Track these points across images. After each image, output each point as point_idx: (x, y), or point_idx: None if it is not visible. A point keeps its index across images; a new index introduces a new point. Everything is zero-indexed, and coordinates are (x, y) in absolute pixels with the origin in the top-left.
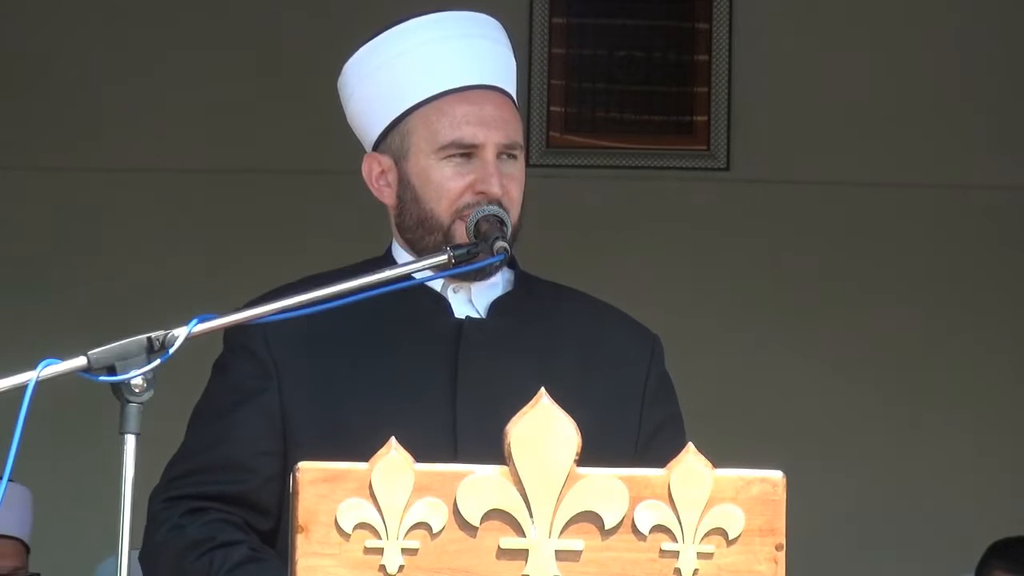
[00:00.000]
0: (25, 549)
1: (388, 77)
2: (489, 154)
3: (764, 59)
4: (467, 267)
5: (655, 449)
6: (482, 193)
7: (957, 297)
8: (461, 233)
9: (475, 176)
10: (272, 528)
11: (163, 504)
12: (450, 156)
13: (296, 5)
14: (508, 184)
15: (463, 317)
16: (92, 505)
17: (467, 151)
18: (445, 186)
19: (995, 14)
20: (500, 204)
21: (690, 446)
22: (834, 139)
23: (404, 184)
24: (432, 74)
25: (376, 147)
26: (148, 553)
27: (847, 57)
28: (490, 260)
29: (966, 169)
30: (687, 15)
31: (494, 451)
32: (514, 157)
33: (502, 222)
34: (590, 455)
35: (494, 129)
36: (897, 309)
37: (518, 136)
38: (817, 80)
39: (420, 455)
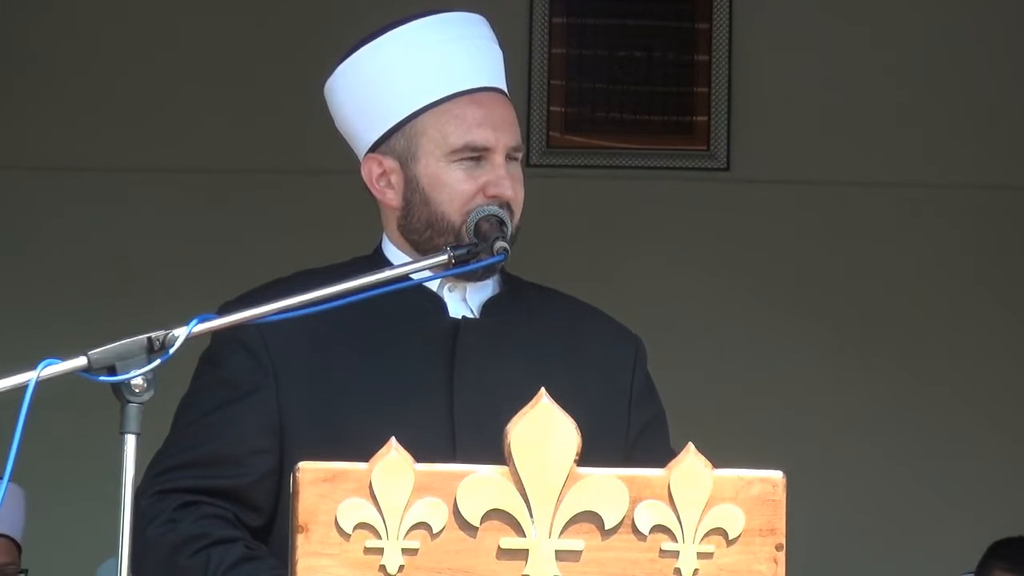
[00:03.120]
0: (16, 547)
1: (389, 80)
2: (499, 157)
3: (764, 59)
4: (467, 267)
5: (641, 449)
6: (495, 196)
7: (957, 297)
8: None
9: (486, 179)
10: (262, 525)
11: (153, 498)
12: (461, 159)
13: (297, 5)
14: (515, 186)
15: (459, 316)
16: (92, 505)
17: (478, 154)
18: (457, 189)
19: (995, 14)
20: (510, 206)
21: (690, 446)
22: (834, 139)
23: (412, 186)
24: (438, 77)
25: (375, 149)
26: (139, 548)
27: (847, 57)
28: (491, 260)
29: (966, 169)
30: (687, 15)
31: (492, 450)
32: (518, 159)
33: (502, 222)
34: (585, 455)
35: (503, 132)
36: (897, 309)
37: (520, 138)
38: (817, 80)
39: (418, 454)
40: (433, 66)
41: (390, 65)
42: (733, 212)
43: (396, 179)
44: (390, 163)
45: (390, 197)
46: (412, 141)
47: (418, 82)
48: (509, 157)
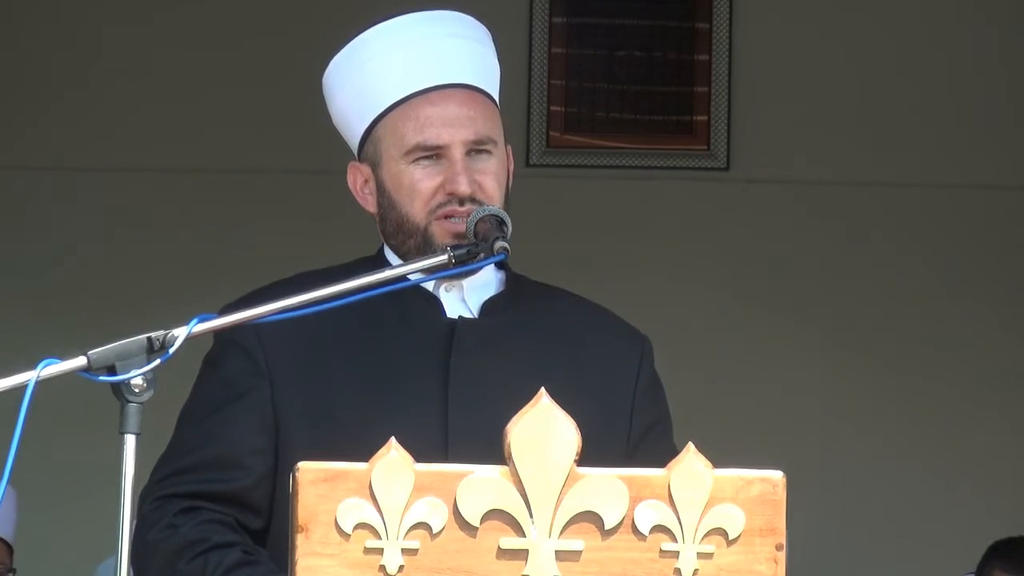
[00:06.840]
0: (8, 548)
1: (358, 86)
2: (456, 153)
3: (764, 59)
4: (468, 267)
5: (644, 450)
6: (452, 193)
7: (957, 297)
8: (440, 233)
9: (444, 176)
10: (262, 527)
11: (155, 503)
12: (418, 159)
13: (297, 5)
14: (481, 179)
15: (456, 317)
16: (91, 505)
17: (434, 152)
18: (416, 188)
19: (995, 14)
20: (473, 200)
21: (690, 446)
22: (834, 139)
23: (381, 191)
24: (396, 79)
25: (359, 156)
26: (140, 552)
27: (847, 57)
28: (491, 260)
29: (966, 169)
30: (687, 15)
31: (485, 451)
32: (488, 152)
33: (502, 222)
34: (586, 455)
35: (459, 128)
36: (897, 309)
37: (489, 131)
38: (817, 80)
39: (411, 454)
40: (393, 68)
41: (357, 71)
42: (733, 212)
43: (372, 185)
44: (366, 170)
45: (371, 204)
46: (377, 146)
47: (379, 86)
48: (475, 151)
